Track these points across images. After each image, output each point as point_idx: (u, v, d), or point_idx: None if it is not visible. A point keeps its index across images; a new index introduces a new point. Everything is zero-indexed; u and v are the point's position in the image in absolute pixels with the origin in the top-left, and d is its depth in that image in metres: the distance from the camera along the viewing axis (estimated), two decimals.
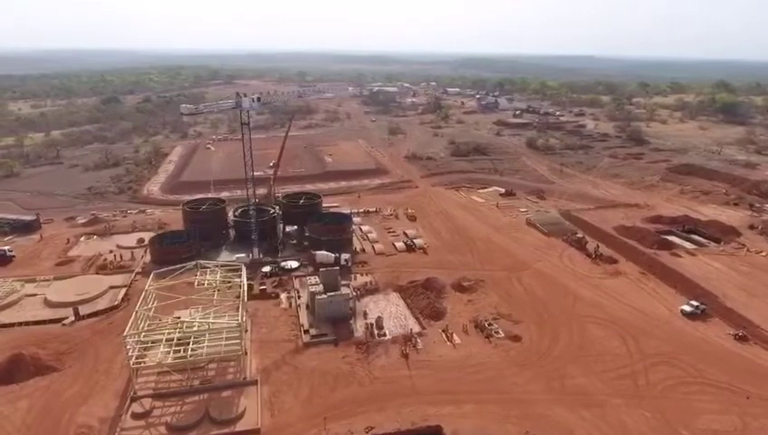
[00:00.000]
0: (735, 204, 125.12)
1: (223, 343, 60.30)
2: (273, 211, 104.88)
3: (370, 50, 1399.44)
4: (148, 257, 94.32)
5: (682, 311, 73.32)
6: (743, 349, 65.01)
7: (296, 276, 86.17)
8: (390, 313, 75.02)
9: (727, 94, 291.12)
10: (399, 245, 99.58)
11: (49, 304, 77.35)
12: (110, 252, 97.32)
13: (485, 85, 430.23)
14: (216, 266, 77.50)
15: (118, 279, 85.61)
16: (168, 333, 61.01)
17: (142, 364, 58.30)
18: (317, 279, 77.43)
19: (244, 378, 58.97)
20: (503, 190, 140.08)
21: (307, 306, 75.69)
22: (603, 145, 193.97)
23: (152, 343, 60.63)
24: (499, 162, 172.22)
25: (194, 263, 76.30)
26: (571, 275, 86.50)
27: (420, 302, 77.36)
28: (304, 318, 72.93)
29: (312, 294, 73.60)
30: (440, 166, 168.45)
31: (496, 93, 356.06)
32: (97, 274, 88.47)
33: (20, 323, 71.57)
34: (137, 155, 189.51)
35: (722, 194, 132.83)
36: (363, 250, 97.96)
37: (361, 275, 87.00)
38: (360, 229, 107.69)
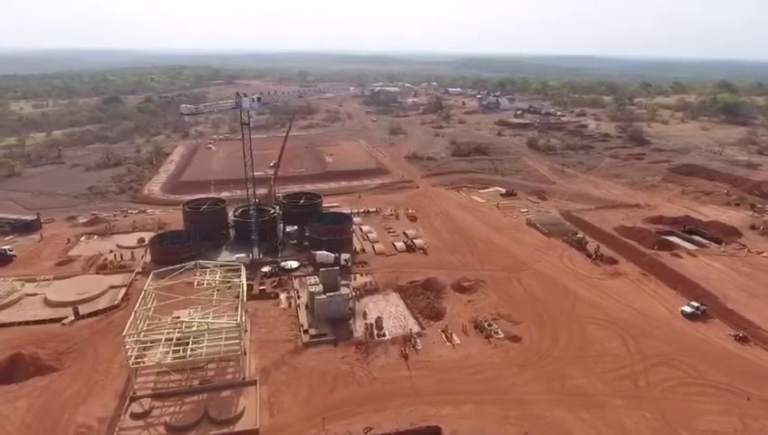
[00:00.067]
0: (737, 204, 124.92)
1: (222, 343, 60.29)
2: (273, 211, 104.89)
3: (371, 50, 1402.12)
4: (148, 257, 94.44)
5: (682, 312, 73.16)
6: (743, 350, 64.89)
7: (296, 276, 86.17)
8: (390, 313, 74.97)
9: (729, 95, 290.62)
10: (399, 245, 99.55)
11: (49, 303, 77.54)
12: (111, 252, 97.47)
13: (486, 85, 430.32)
14: (216, 266, 77.47)
15: (118, 279, 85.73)
16: (168, 333, 61.03)
17: (141, 364, 58.27)
18: (317, 279, 77.39)
19: (244, 378, 58.98)
20: (503, 191, 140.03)
21: (306, 306, 75.66)
22: (604, 145, 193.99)
23: (151, 342, 60.64)
24: (500, 162, 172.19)
25: (193, 263, 76.33)
26: (572, 275, 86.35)
27: (420, 302, 77.32)
28: (304, 318, 72.93)
29: (312, 295, 73.59)
30: (441, 166, 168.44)
31: (497, 93, 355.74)
32: (97, 273, 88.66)
33: (19, 323, 71.79)
34: (138, 155, 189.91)
35: (723, 194, 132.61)
36: (363, 250, 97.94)
37: (361, 275, 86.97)
38: (361, 229, 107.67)
